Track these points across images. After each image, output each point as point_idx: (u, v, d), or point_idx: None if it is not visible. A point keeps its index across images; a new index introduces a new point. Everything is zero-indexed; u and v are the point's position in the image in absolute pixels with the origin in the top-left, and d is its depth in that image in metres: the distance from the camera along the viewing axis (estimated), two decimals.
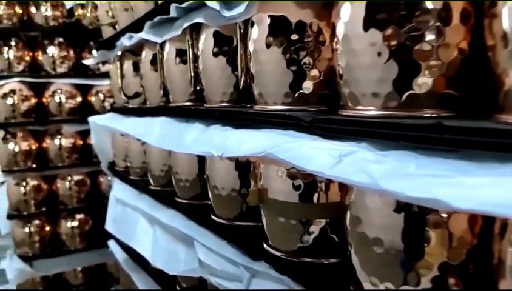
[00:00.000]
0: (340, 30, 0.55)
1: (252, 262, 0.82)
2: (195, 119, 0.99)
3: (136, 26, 1.28)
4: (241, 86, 0.81)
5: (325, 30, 0.67)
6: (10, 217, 2.35)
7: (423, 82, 0.49)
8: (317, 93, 0.70)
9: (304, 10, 0.67)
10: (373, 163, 0.44)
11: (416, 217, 0.50)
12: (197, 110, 0.96)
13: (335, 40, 0.57)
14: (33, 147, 2.38)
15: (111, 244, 1.73)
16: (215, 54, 0.89)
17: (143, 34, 1.16)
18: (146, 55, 1.29)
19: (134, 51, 1.42)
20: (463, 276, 0.50)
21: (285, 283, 0.71)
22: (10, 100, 2.31)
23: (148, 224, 1.24)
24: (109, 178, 2.47)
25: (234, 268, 0.85)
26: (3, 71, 2.34)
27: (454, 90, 0.52)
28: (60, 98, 2.41)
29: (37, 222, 2.41)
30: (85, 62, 2.11)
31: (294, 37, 0.68)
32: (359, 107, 0.54)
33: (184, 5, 0.93)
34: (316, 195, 0.70)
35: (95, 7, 1.76)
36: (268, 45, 0.70)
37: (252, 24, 0.74)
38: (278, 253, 0.75)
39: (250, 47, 0.75)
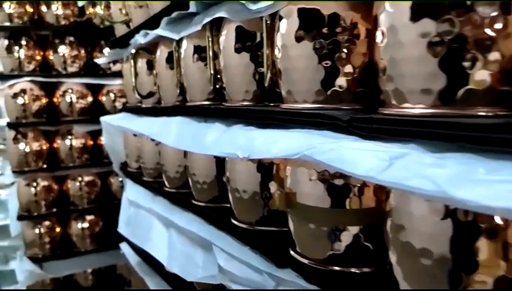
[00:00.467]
0: (384, 21, 0.51)
1: (277, 269, 0.77)
2: (215, 119, 0.95)
3: (151, 23, 1.25)
4: (266, 84, 0.77)
5: (361, 22, 0.63)
6: (20, 218, 2.33)
7: (482, 77, 0.44)
8: (351, 90, 0.65)
9: (338, 2, 0.63)
10: (432, 167, 0.39)
11: (469, 226, 0.46)
12: (217, 109, 0.92)
13: (379, 31, 0.52)
14: (44, 147, 2.36)
15: (124, 246, 1.70)
16: (238, 51, 0.84)
17: (159, 31, 1.12)
18: (161, 53, 1.25)
19: (149, 49, 1.38)
20: None
21: None
22: (20, 100, 2.28)
23: (164, 227, 1.20)
24: (120, 179, 2.44)
25: (257, 275, 0.81)
26: (14, 70, 2.32)
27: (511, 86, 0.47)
28: (71, 98, 2.38)
29: (47, 223, 2.38)
30: (97, 60, 2.08)
31: (327, 30, 0.64)
32: (405, 105, 0.50)
33: None
34: (349, 200, 0.65)
35: (108, 6, 1.72)
36: (298, 40, 0.66)
37: (280, 18, 0.70)
38: (306, 261, 0.71)
39: (278, 42, 0.70)
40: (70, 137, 2.40)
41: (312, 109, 0.67)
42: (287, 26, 0.68)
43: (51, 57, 2.38)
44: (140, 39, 1.29)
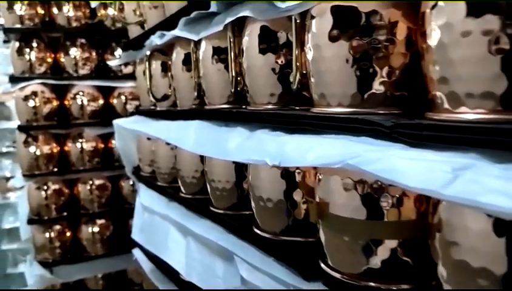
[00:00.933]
0: (436, 18, 0.46)
1: (305, 283, 0.73)
2: (236, 123, 0.91)
3: (167, 24, 1.21)
4: (294, 87, 0.73)
5: (402, 20, 0.58)
6: (30, 222, 2.30)
7: None
8: (391, 93, 0.61)
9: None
10: (500, 180, 0.34)
11: None
12: (240, 113, 0.88)
13: (430, 29, 0.48)
14: (55, 150, 2.33)
15: (136, 252, 1.66)
16: (262, 51, 0.80)
17: (177, 32, 1.08)
18: (177, 55, 1.21)
19: (164, 50, 1.34)
20: None
21: None
22: (31, 103, 2.26)
23: (180, 235, 1.16)
24: (131, 183, 2.41)
25: (284, 288, 0.77)
26: (25, 72, 2.29)
27: None
28: (82, 100, 2.35)
29: (57, 227, 2.35)
30: (110, 63, 2.05)
31: (365, 29, 0.59)
32: (461, 110, 0.45)
33: None
34: (387, 211, 0.60)
35: (121, 8, 1.68)
36: (333, 39, 0.62)
37: (312, 16, 0.66)
38: (338, 275, 0.66)
39: (310, 42, 0.66)
40: (80, 140, 2.37)
41: (347, 113, 0.62)
42: (320, 26, 0.64)
43: (62, 60, 2.36)
44: (156, 40, 1.25)
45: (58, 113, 2.34)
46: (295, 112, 0.72)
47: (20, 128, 2.28)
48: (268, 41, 0.80)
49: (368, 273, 0.63)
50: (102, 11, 2.38)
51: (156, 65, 1.38)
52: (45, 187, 2.31)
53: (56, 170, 2.34)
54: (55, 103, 2.33)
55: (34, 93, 2.26)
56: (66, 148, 2.38)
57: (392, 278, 0.62)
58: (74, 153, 2.37)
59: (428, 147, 0.47)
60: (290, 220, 0.83)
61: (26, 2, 2.26)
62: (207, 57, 1.02)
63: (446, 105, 0.47)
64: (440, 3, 0.46)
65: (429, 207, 0.55)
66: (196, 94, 1.12)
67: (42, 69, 2.32)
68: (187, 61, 1.17)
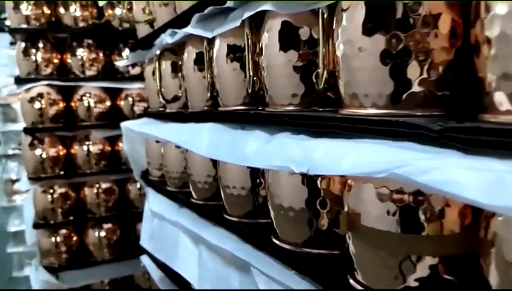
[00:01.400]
0: (494, 6, 0.40)
1: None
2: (254, 126, 0.85)
3: (178, 21, 1.15)
4: (320, 86, 0.67)
5: (446, 11, 0.52)
6: (36, 226, 2.25)
7: None
8: (432, 93, 0.55)
9: None
10: None
11: None
12: (258, 115, 0.82)
13: (488, 19, 0.41)
14: (61, 153, 2.28)
15: (145, 259, 1.60)
16: (284, 48, 0.74)
17: (189, 29, 1.03)
18: (189, 54, 1.16)
19: (174, 50, 1.29)
20: None
21: None
22: (37, 105, 2.21)
23: (192, 243, 1.10)
24: (138, 186, 2.36)
25: None
26: (31, 74, 2.25)
27: None
28: (89, 102, 2.30)
29: (64, 231, 2.31)
30: (118, 63, 2.00)
31: (403, 22, 0.53)
32: None
33: None
34: (429, 224, 0.54)
35: (130, 7, 1.63)
36: (368, 33, 0.56)
37: (343, 9, 0.60)
38: None
39: (340, 37, 0.60)
40: (87, 142, 2.32)
41: (382, 115, 0.56)
42: (353, 18, 0.58)
43: (68, 61, 2.31)
44: (167, 38, 1.19)
45: (64, 114, 2.30)
46: (321, 114, 0.66)
47: (26, 130, 2.24)
48: (290, 37, 0.74)
49: None
50: (110, 11, 2.33)
51: (166, 65, 1.32)
52: (51, 191, 2.26)
53: (62, 173, 2.29)
54: (61, 105, 2.28)
55: (40, 95, 2.22)
56: (72, 151, 2.33)
57: None
58: (80, 155, 2.32)
59: (486, 154, 0.41)
60: (312, 230, 0.77)
61: (32, 2, 2.22)
62: (221, 56, 0.96)
63: (508, 106, 0.41)
64: None
65: (481, 220, 0.49)
66: (209, 95, 1.06)
67: (48, 70, 2.27)
68: (199, 60, 1.12)
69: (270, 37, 0.77)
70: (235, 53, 0.94)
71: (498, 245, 0.43)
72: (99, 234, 2.35)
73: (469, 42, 0.49)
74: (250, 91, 0.88)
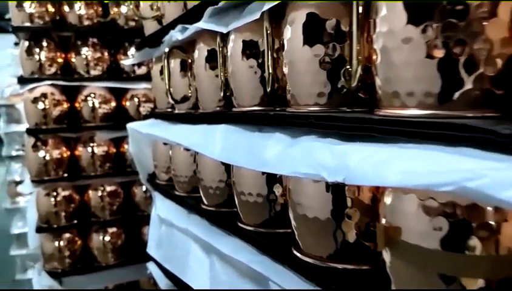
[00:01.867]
0: None
1: None
2: (274, 128, 0.78)
3: (189, 17, 1.09)
4: (353, 84, 0.59)
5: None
6: (39, 230, 2.19)
7: None
8: (488, 92, 0.47)
9: None
10: None
11: None
12: (280, 116, 0.75)
13: None
14: (65, 155, 2.22)
15: (151, 266, 1.53)
16: (309, 43, 0.67)
17: (202, 24, 0.96)
18: (200, 51, 1.09)
19: (183, 47, 1.22)
20: None
21: None
22: (40, 105, 2.15)
23: (203, 253, 1.03)
24: (144, 189, 2.30)
25: None
26: (34, 73, 2.18)
27: None
28: (93, 103, 2.24)
29: (67, 235, 2.24)
30: (124, 62, 1.93)
31: (456, 9, 0.46)
32: None
33: None
34: (482, 243, 0.47)
35: (137, 6, 1.56)
36: (415, 22, 0.48)
37: None
38: None
39: (379, 27, 0.53)
40: (92, 144, 2.25)
41: (430, 117, 0.49)
42: (395, 6, 0.51)
43: (73, 60, 2.24)
44: (176, 34, 1.13)
45: (68, 115, 2.23)
46: (354, 115, 0.59)
47: (29, 131, 2.18)
48: (316, 30, 0.67)
49: None
50: (115, 9, 2.27)
51: (175, 63, 1.26)
52: (55, 194, 2.20)
53: (65, 175, 2.23)
54: (65, 105, 2.21)
55: (44, 95, 2.15)
56: (76, 153, 2.26)
57: None
58: (85, 157, 2.25)
59: None
60: (339, 243, 0.70)
61: (36, 0, 2.16)
62: (236, 52, 0.89)
63: None
64: None
65: None
66: (221, 94, 1.00)
67: (52, 70, 2.21)
68: (211, 58, 1.05)
69: (293, 30, 0.70)
70: (251, 49, 0.87)
71: None
72: (103, 238, 2.28)
73: None
74: (269, 90, 0.81)
